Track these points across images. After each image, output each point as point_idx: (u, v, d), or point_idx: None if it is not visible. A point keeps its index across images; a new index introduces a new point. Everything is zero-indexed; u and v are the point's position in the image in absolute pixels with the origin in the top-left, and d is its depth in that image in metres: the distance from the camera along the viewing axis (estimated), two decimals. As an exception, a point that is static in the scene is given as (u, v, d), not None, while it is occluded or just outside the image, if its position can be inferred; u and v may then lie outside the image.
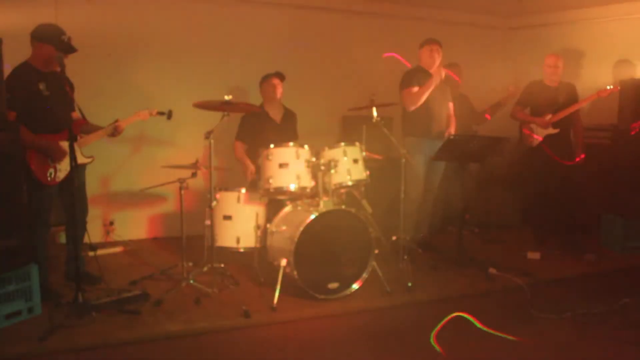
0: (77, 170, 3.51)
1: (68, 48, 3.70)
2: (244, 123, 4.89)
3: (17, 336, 3.16)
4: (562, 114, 5.07)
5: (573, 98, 5.16)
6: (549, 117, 5.12)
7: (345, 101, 5.80)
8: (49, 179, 3.70)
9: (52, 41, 3.67)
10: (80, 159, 3.82)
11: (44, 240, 3.84)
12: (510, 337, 3.30)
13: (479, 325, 3.26)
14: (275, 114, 4.95)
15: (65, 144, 3.68)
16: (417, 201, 4.91)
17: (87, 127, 3.98)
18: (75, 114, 3.89)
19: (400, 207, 4.33)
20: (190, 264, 4.25)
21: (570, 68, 5.36)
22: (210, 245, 4.10)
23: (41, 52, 3.71)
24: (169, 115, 4.17)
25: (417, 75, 4.85)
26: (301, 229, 3.74)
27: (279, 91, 4.88)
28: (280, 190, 4.06)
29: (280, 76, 4.89)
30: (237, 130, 4.90)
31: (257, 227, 4.23)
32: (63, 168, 3.77)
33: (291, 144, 4.10)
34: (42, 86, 3.70)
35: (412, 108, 4.77)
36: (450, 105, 5.05)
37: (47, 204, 3.78)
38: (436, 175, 5.03)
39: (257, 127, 4.79)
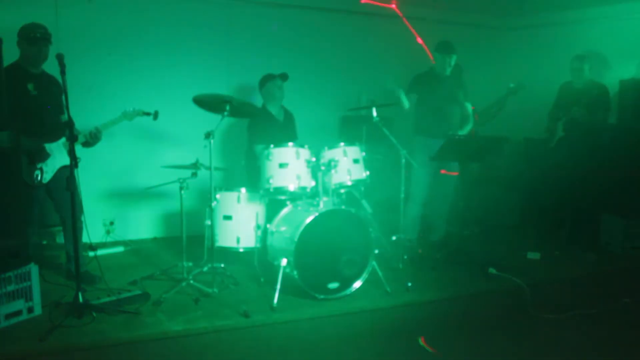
0: (65, 171, 3.52)
1: (39, 39, 3.69)
2: (254, 125, 4.87)
3: (17, 336, 3.16)
4: None
5: (600, 99, 5.10)
6: None
7: (345, 101, 5.81)
8: (35, 180, 3.71)
9: (25, 37, 3.69)
10: (64, 161, 3.81)
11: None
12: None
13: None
14: (278, 114, 4.97)
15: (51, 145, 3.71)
16: (420, 202, 4.93)
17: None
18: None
19: (400, 207, 4.33)
20: (190, 263, 4.25)
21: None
22: (211, 245, 4.10)
23: (22, 50, 3.74)
24: (155, 116, 4.15)
25: (421, 81, 4.91)
26: (301, 229, 3.74)
27: (282, 92, 4.90)
28: (280, 190, 4.06)
29: (285, 77, 4.91)
30: (249, 136, 4.87)
31: (257, 227, 4.24)
32: (49, 169, 3.79)
33: (291, 144, 4.11)
34: (30, 86, 3.71)
35: None
36: (469, 105, 5.06)
37: (31, 205, 3.79)
38: (450, 176, 5.00)
39: (263, 127, 4.80)
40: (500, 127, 5.73)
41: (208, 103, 3.99)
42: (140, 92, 5.03)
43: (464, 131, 4.97)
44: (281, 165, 4.04)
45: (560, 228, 5.46)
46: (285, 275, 3.76)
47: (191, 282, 3.97)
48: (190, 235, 4.22)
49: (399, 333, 3.50)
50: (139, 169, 5.23)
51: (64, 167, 3.80)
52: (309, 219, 3.76)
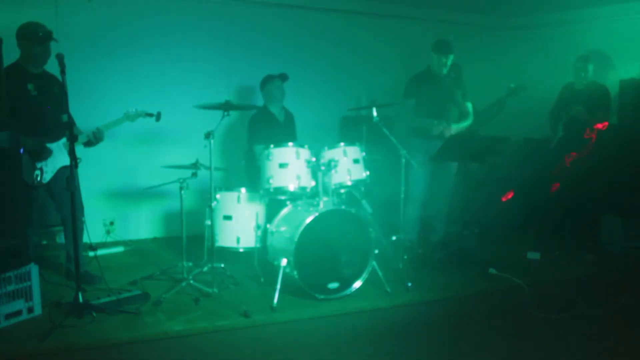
0: (65, 171, 3.52)
1: (45, 38, 3.70)
2: (255, 125, 4.88)
3: (17, 336, 3.16)
4: None
5: (601, 100, 5.09)
6: None
7: (345, 101, 5.82)
8: (35, 181, 3.70)
9: (29, 36, 3.70)
10: (65, 161, 3.80)
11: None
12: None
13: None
14: (279, 114, 4.98)
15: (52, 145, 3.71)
16: (420, 202, 4.92)
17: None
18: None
19: (400, 207, 4.33)
20: (190, 263, 4.25)
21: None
22: (211, 245, 4.10)
23: (24, 50, 3.74)
24: (158, 117, 4.13)
25: (417, 82, 4.89)
26: (301, 229, 3.74)
27: (283, 93, 4.91)
28: (280, 190, 4.06)
29: (285, 78, 4.91)
30: (249, 135, 4.88)
31: (257, 227, 4.24)
32: (49, 170, 3.79)
33: (291, 143, 4.11)
34: (30, 86, 3.70)
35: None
36: (469, 104, 5.05)
37: (31, 205, 3.79)
38: (447, 175, 5.00)
39: (264, 127, 4.80)
40: (500, 127, 5.72)
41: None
42: (139, 92, 5.04)
43: (460, 125, 4.95)
44: (281, 165, 4.04)
45: (560, 228, 5.46)
46: (285, 275, 3.76)
47: (191, 282, 3.97)
48: (190, 235, 4.22)
49: (398, 333, 3.50)
50: (139, 169, 5.23)
51: (64, 167, 3.79)
52: (309, 219, 3.76)
